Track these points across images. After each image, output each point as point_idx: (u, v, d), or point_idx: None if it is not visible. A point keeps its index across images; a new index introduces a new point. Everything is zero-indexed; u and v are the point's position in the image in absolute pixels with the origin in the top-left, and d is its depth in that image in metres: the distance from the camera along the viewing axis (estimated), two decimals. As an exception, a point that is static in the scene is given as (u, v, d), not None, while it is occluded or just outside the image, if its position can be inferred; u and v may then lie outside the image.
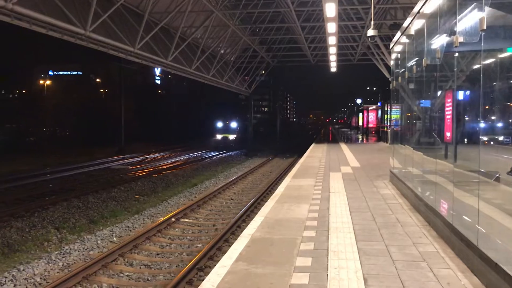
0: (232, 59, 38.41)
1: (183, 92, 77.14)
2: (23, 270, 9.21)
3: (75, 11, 14.29)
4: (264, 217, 7.75)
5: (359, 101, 69.24)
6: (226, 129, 45.40)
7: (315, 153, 22.76)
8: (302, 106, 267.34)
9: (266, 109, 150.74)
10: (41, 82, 60.42)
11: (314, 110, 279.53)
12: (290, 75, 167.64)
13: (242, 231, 10.02)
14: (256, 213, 10.82)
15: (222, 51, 33.23)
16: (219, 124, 46.03)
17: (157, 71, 77.62)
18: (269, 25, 31.21)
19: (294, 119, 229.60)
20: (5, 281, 8.62)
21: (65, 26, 13.88)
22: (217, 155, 37.84)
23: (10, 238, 11.54)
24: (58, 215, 14.12)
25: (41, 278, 8.77)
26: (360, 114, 50.54)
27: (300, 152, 33.71)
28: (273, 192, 11.47)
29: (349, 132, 61.40)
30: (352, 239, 6.25)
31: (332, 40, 19.78)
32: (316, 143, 34.27)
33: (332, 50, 23.55)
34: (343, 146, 29.12)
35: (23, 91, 59.39)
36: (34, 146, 42.07)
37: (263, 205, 9.50)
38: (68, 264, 9.64)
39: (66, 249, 10.69)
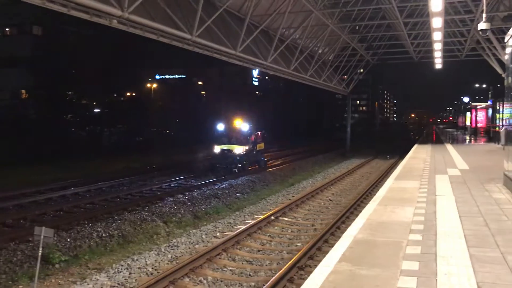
0: (330, 58, 38.02)
1: (280, 93, 78.12)
2: (137, 260, 9.98)
3: (182, 17, 15.12)
4: (366, 219, 7.59)
5: (466, 99, 64.90)
6: (231, 137, 25.84)
7: (419, 154, 21.78)
8: (403, 105, 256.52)
9: (364, 108, 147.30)
10: (148, 85, 64.72)
11: (416, 109, 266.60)
12: (390, 73, 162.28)
13: (342, 232, 9.92)
14: (356, 215, 10.64)
15: (320, 51, 33.05)
16: (220, 127, 26.33)
17: (255, 72, 79.16)
18: (369, 23, 30.40)
19: (394, 119, 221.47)
20: (121, 269, 9.40)
21: (173, 32, 14.76)
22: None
23: (124, 230, 12.51)
24: (165, 210, 15.02)
25: (152, 268, 9.44)
26: (468, 113, 47.36)
27: (401, 153, 32.47)
28: (374, 194, 11.20)
29: (455, 133, 57.80)
30: (463, 244, 5.92)
31: (437, 36, 18.86)
32: (419, 144, 32.76)
33: (437, 46, 22.44)
34: (449, 147, 27.51)
35: (132, 94, 63.92)
36: (142, 145, 45.08)
37: (363, 207, 9.34)
38: (176, 256, 10.25)
39: (174, 242, 11.38)
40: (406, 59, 41.66)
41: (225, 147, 24.82)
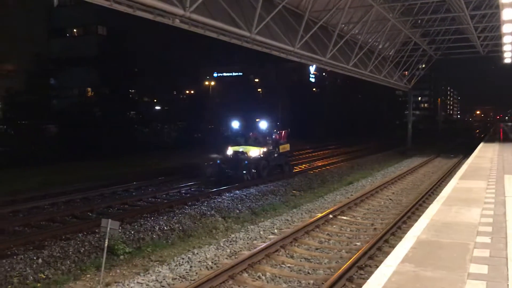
0: (390, 53, 37.06)
1: (337, 89, 77.05)
2: (197, 253, 10.21)
3: (242, 15, 15.28)
4: (430, 219, 7.34)
5: (538, 95, 61.09)
6: (246, 137, 21.65)
7: (485, 153, 20.78)
8: (467, 101, 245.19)
9: (426, 105, 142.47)
10: (207, 83, 65.98)
11: (481, 106, 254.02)
12: (454, 68, 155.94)
13: (403, 233, 9.68)
14: (418, 215, 10.34)
15: (380, 46, 32.26)
16: (234, 125, 22.32)
17: (312, 69, 78.54)
18: (432, 16, 29.31)
19: (458, 116, 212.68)
20: (182, 262, 9.66)
21: (233, 30, 14.96)
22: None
23: (184, 224, 12.83)
24: (224, 205, 15.24)
25: (212, 262, 9.62)
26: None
27: (466, 152, 31.14)
28: (437, 194, 10.81)
29: (525, 131, 54.64)
30: (537, 249, 5.60)
31: (507, 29, 17.84)
32: (485, 142, 31.27)
33: (507, 39, 21.22)
34: (519, 146, 26.07)
35: (191, 91, 65.33)
36: (200, 142, 45.96)
37: (426, 207, 9.05)
38: (234, 251, 10.38)
39: (232, 237, 11.54)
40: (472, 53, 39.83)
41: (240, 148, 20.60)
